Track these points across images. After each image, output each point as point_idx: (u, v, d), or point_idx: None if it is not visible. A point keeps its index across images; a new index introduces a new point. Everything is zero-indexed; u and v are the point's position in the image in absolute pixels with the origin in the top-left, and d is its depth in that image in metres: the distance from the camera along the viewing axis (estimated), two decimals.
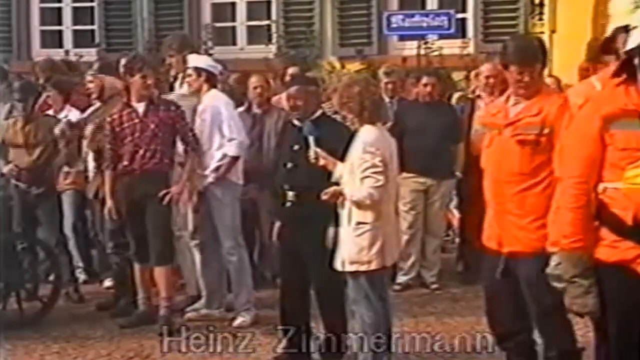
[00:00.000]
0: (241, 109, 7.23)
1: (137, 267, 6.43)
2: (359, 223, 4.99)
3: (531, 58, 4.34)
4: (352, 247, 5.00)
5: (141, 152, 6.21)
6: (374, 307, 5.09)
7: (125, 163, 6.23)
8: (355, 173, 4.98)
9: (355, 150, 5.01)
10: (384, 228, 5.03)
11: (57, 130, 6.78)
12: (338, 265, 5.08)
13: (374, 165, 4.92)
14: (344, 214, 5.05)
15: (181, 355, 5.84)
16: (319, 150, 5.15)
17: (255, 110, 7.36)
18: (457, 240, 8.12)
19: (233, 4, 11.88)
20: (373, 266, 5.01)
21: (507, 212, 4.34)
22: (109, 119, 6.32)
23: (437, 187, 7.34)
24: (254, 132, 7.22)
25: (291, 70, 8.20)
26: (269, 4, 11.72)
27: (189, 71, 6.56)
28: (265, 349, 5.89)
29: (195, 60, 6.64)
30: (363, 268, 5.01)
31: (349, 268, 5.03)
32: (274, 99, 7.48)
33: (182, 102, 6.47)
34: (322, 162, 5.13)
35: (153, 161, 6.19)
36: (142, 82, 6.22)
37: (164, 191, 6.13)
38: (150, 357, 5.81)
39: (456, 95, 8.49)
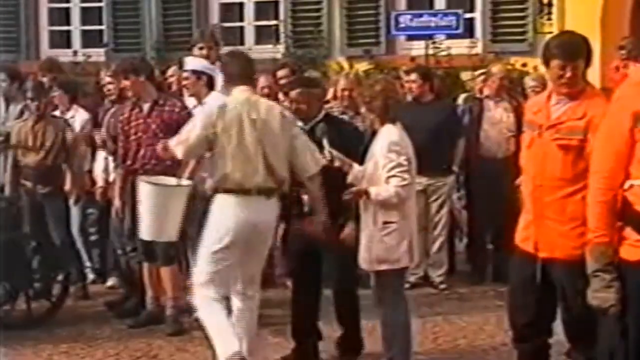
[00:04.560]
0: None
1: (145, 267, 6.43)
2: (385, 222, 4.98)
3: (574, 53, 4.16)
4: (380, 246, 5.00)
5: (142, 151, 6.21)
6: (400, 305, 5.12)
7: (129, 162, 6.24)
8: (380, 172, 4.97)
9: (380, 150, 4.99)
10: (409, 226, 5.05)
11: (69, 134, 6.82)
12: (365, 266, 5.08)
13: (399, 165, 4.92)
14: (367, 215, 5.03)
15: (189, 354, 5.85)
16: (334, 151, 5.11)
17: None
18: (465, 240, 8.11)
19: (241, 4, 11.88)
20: (402, 264, 5.04)
21: (547, 217, 4.22)
22: (120, 118, 6.34)
23: (435, 186, 7.33)
24: None
25: (281, 72, 8.15)
26: (276, 4, 11.72)
27: (186, 74, 6.51)
28: (273, 349, 5.89)
29: (192, 63, 6.58)
30: (393, 267, 5.02)
31: (379, 267, 5.03)
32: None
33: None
34: (337, 163, 5.10)
35: (153, 161, 6.17)
36: (143, 82, 6.22)
37: None
38: (157, 357, 5.82)
39: (463, 95, 8.48)
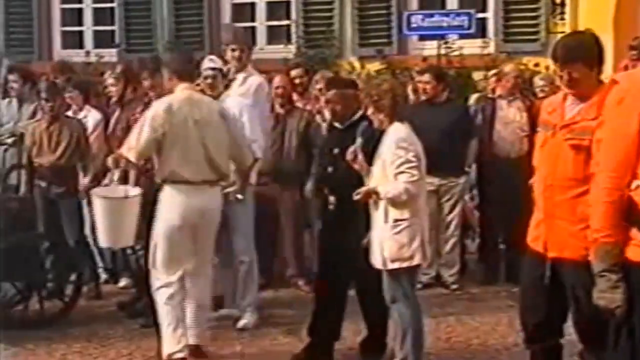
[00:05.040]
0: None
1: None
2: (396, 220, 4.98)
3: (567, 56, 4.15)
4: (392, 244, 5.00)
5: None
6: (413, 303, 5.12)
7: (142, 162, 6.25)
8: (388, 170, 4.97)
9: (387, 148, 5.00)
10: (421, 224, 5.05)
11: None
12: (378, 264, 5.08)
13: (408, 161, 4.92)
14: (379, 213, 5.04)
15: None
16: (360, 155, 5.10)
17: (278, 110, 7.36)
18: (477, 240, 8.09)
19: (253, 4, 11.89)
20: (415, 262, 5.04)
21: (557, 216, 4.21)
22: (133, 119, 6.35)
23: (448, 186, 7.32)
24: (276, 132, 7.22)
25: (294, 72, 8.14)
26: (288, 4, 11.72)
27: (210, 72, 6.49)
28: (284, 349, 5.90)
29: (214, 62, 6.57)
30: (405, 264, 5.02)
31: (391, 266, 5.03)
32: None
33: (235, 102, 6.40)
34: (356, 165, 5.11)
35: None
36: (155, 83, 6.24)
37: None
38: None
39: (475, 96, 8.45)
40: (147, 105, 6.33)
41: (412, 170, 4.92)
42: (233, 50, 6.64)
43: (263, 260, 6.72)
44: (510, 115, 7.57)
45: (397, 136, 5.01)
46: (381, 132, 5.12)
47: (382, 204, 5.01)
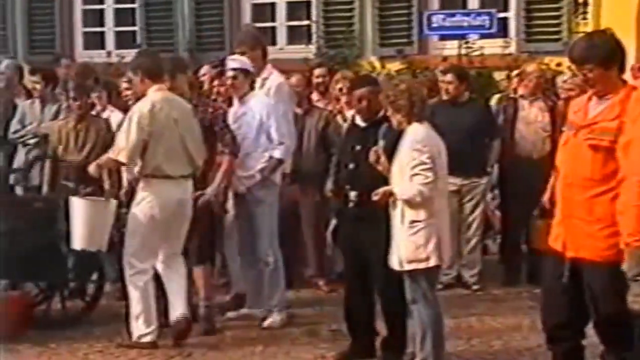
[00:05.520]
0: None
1: None
2: (412, 221, 5.00)
3: (580, 57, 4.19)
4: (408, 245, 5.02)
5: None
6: (432, 304, 5.11)
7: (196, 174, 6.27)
8: (405, 171, 4.99)
9: (404, 149, 5.03)
10: (438, 225, 5.05)
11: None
12: (395, 265, 5.09)
13: (422, 163, 4.94)
14: (396, 213, 5.06)
15: (222, 354, 5.87)
16: (382, 155, 5.12)
17: (296, 110, 7.37)
18: (498, 241, 8.06)
19: (273, 4, 11.89)
20: (432, 263, 5.04)
21: (575, 216, 4.22)
22: None
23: (470, 186, 7.30)
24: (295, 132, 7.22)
25: (318, 71, 8.14)
26: (309, 4, 11.71)
27: (233, 73, 6.49)
28: (305, 349, 5.91)
29: (237, 62, 6.58)
30: (422, 266, 5.02)
31: (407, 267, 5.05)
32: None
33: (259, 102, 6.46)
34: (380, 167, 5.13)
35: None
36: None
37: (198, 192, 6.13)
38: (191, 356, 5.84)
39: (497, 96, 8.41)
40: None
41: (426, 172, 4.94)
42: (243, 53, 6.69)
43: (283, 260, 6.72)
44: (532, 116, 7.54)
45: (413, 138, 5.03)
46: (400, 133, 5.12)
47: (399, 204, 5.03)
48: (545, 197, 6.83)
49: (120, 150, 5.82)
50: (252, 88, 6.56)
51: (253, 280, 6.61)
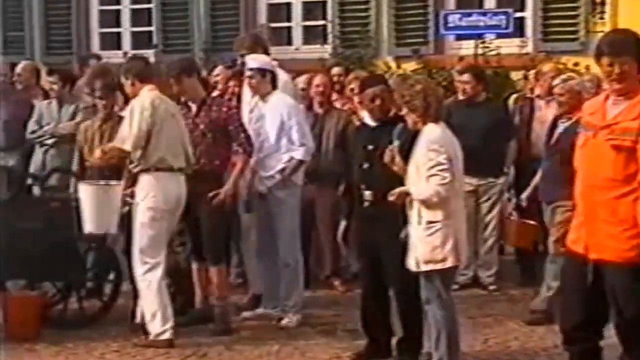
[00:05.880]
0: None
1: (194, 266, 6.47)
2: (429, 222, 4.99)
3: (622, 49, 4.13)
4: (425, 246, 5.01)
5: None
6: (447, 305, 5.11)
7: (195, 167, 6.29)
8: (421, 172, 4.98)
9: (420, 149, 5.02)
10: (454, 225, 5.04)
11: None
12: (412, 266, 5.09)
13: (439, 163, 4.93)
14: (413, 214, 5.06)
15: (237, 354, 5.88)
16: (396, 153, 5.11)
17: (317, 109, 7.36)
18: None
19: (289, 4, 11.90)
20: (448, 264, 5.03)
21: (597, 218, 4.18)
22: None
23: (487, 186, 7.27)
24: (314, 132, 7.22)
25: (335, 70, 8.13)
26: (324, 4, 11.71)
27: (251, 73, 6.51)
28: (321, 349, 5.91)
29: (255, 61, 6.59)
30: (438, 267, 5.02)
31: (424, 268, 5.04)
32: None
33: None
34: (395, 167, 5.12)
35: (202, 161, 6.21)
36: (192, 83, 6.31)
37: (214, 192, 6.15)
38: (207, 356, 5.85)
39: (514, 96, 8.38)
40: (184, 105, 6.37)
41: (443, 173, 4.93)
42: (242, 55, 6.77)
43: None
44: (548, 116, 7.49)
45: (429, 138, 5.02)
46: (415, 133, 5.11)
47: (416, 204, 5.02)
48: (524, 194, 6.82)
49: (125, 139, 5.95)
50: (274, 87, 6.56)
51: (270, 280, 6.62)
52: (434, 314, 5.11)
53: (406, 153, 5.09)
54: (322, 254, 7.49)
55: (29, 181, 7.26)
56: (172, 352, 5.88)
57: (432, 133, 5.05)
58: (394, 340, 5.55)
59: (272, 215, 6.48)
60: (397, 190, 5.04)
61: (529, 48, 10.56)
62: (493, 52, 10.15)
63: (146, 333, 5.99)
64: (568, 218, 6.09)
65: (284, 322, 6.41)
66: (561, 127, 6.41)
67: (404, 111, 5.17)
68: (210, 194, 6.12)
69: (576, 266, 4.31)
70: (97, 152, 6.12)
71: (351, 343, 5.88)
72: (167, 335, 5.93)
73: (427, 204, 4.98)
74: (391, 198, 5.04)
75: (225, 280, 6.47)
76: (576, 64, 9.73)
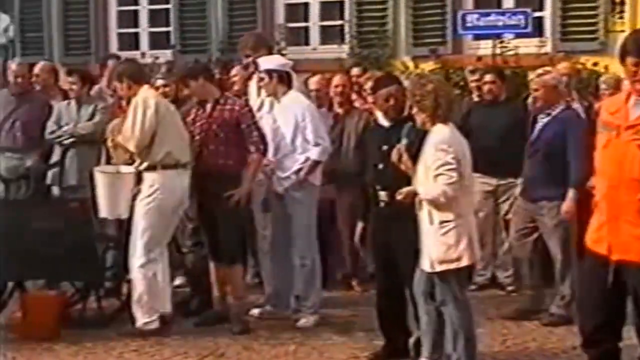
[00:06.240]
0: (323, 109, 7.27)
1: (211, 266, 6.48)
2: (442, 222, 4.99)
3: None
4: (439, 246, 5.00)
5: (205, 151, 6.26)
6: (463, 305, 5.09)
7: (193, 163, 6.31)
8: (429, 172, 4.98)
9: (428, 149, 5.02)
10: (467, 224, 5.03)
11: None
12: (426, 267, 5.08)
13: (446, 163, 4.93)
14: (424, 214, 5.05)
15: (255, 354, 5.88)
16: (405, 154, 5.11)
17: (337, 109, 7.35)
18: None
19: (306, 4, 11.88)
20: (463, 262, 5.02)
21: (621, 219, 4.15)
22: (187, 120, 6.40)
23: (506, 186, 7.24)
24: (335, 132, 7.22)
25: (354, 71, 8.12)
26: (342, 3, 11.68)
27: (261, 75, 6.53)
28: (338, 349, 5.90)
29: (265, 62, 6.59)
30: (453, 266, 5.01)
31: (439, 268, 5.03)
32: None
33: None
34: (402, 166, 5.12)
35: (219, 161, 6.23)
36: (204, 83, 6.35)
37: (229, 192, 6.15)
38: (224, 356, 5.86)
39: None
40: (200, 105, 6.38)
41: (450, 173, 4.92)
42: (247, 56, 6.81)
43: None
44: None
45: (437, 138, 5.02)
46: (425, 133, 5.11)
47: (425, 205, 5.01)
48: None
49: (128, 139, 6.12)
50: (289, 87, 6.55)
51: (282, 280, 6.62)
52: (450, 315, 5.09)
53: (415, 153, 5.09)
54: (341, 254, 7.48)
55: (48, 181, 7.30)
56: (190, 352, 5.89)
57: (441, 133, 5.05)
58: (411, 341, 5.54)
59: (289, 216, 6.48)
60: (405, 189, 5.05)
61: (548, 48, 10.49)
62: (511, 52, 10.11)
63: (133, 322, 6.18)
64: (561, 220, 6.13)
65: (301, 322, 6.41)
66: (540, 123, 6.36)
67: (414, 110, 5.17)
68: (226, 194, 6.13)
69: (597, 267, 4.27)
70: (108, 142, 6.32)
71: (369, 343, 5.88)
72: (153, 325, 6.16)
73: (435, 203, 4.98)
74: (399, 197, 5.05)
75: (242, 280, 6.49)
76: (595, 64, 9.68)
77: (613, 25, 10.27)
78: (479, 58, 10.06)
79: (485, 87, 7.34)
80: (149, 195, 6.10)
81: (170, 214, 6.17)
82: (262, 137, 6.30)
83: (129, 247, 6.41)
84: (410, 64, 10.98)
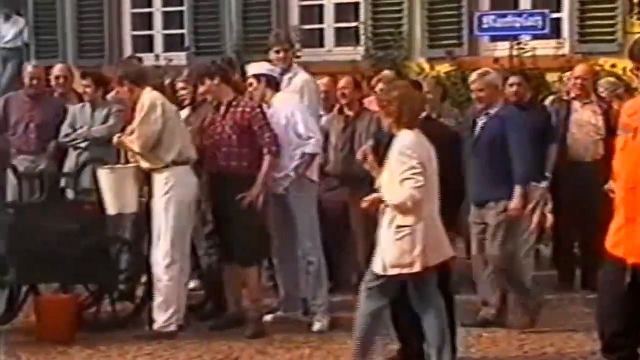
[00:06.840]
0: (334, 112, 7.24)
1: (226, 269, 6.45)
2: (399, 227, 5.00)
3: None
4: (394, 250, 5.01)
5: (219, 154, 6.27)
6: (432, 311, 5.08)
7: (208, 166, 6.29)
8: (394, 176, 4.98)
9: (393, 155, 5.04)
10: (425, 230, 5.00)
11: None
12: (379, 269, 5.09)
13: (412, 167, 4.95)
14: (385, 218, 5.06)
15: (269, 358, 5.85)
16: (369, 152, 5.13)
17: (348, 112, 7.33)
18: (551, 245, 7.92)
19: (321, 6, 11.88)
20: (415, 269, 5.00)
21: (638, 221, 4.11)
22: (205, 123, 6.42)
23: (529, 190, 7.14)
24: (346, 135, 7.17)
25: (370, 73, 8.12)
26: (357, 5, 11.67)
27: (250, 80, 6.57)
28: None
29: (253, 68, 6.65)
30: (405, 271, 4.99)
31: (391, 272, 5.03)
32: (366, 101, 7.42)
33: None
34: (367, 166, 5.17)
35: (232, 163, 6.23)
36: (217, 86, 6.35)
37: (241, 195, 6.13)
38: (239, 359, 5.82)
39: (551, 98, 8.27)
40: (216, 108, 6.36)
41: (417, 177, 4.93)
42: (277, 52, 6.96)
43: (330, 264, 6.68)
44: (584, 118, 7.40)
45: (402, 143, 5.04)
46: (391, 137, 5.14)
47: (389, 211, 5.02)
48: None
49: (133, 141, 6.15)
50: (277, 90, 6.56)
51: (291, 284, 6.58)
52: (422, 319, 5.11)
53: (383, 154, 5.11)
54: (355, 258, 7.43)
55: (62, 184, 7.28)
56: (204, 356, 5.87)
57: (405, 139, 5.07)
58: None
59: (291, 216, 6.45)
60: (371, 197, 5.08)
61: (566, 49, 10.43)
62: (529, 54, 10.04)
63: (152, 324, 6.15)
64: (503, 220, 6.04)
65: (316, 327, 6.37)
66: (480, 123, 6.28)
67: (381, 114, 5.22)
68: (239, 196, 6.10)
69: (617, 271, 4.22)
70: (115, 140, 6.33)
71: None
72: (172, 328, 6.13)
73: (401, 209, 4.97)
74: (364, 205, 5.07)
75: (257, 283, 6.46)
76: (613, 66, 9.60)
77: (631, 26, 10.21)
78: (496, 60, 10.01)
79: (513, 89, 7.25)
80: (166, 192, 6.10)
81: (187, 208, 6.16)
82: (275, 138, 6.28)
83: (143, 249, 6.41)
84: (426, 66, 10.94)
